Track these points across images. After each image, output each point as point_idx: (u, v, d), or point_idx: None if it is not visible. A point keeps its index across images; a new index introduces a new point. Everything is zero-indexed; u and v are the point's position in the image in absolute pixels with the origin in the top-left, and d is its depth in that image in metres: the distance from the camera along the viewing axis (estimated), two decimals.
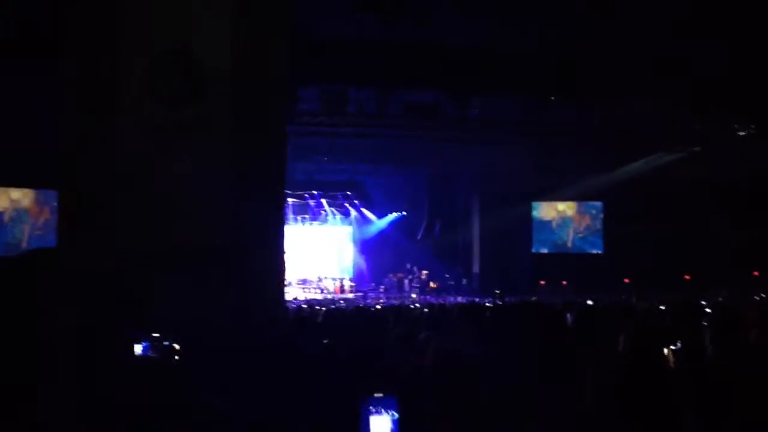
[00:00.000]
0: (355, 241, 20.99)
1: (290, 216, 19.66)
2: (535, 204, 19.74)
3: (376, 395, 1.75)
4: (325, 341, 4.29)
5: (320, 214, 20.33)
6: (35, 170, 12.21)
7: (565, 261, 19.05)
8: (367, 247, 20.97)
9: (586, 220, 19.85)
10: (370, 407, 1.72)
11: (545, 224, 19.83)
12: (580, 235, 19.74)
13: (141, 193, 3.72)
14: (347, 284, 19.46)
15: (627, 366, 2.28)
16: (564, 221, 19.82)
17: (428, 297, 16.60)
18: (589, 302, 8.72)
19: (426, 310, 8.18)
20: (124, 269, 3.47)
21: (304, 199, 19.49)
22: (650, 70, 11.50)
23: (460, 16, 10.37)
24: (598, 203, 19.51)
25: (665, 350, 3.03)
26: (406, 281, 19.71)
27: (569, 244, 19.76)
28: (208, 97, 4.05)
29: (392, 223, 20.75)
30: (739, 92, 12.25)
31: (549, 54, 11.35)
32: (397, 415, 1.72)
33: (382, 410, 1.73)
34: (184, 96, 3.95)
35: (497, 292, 14.18)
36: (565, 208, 19.85)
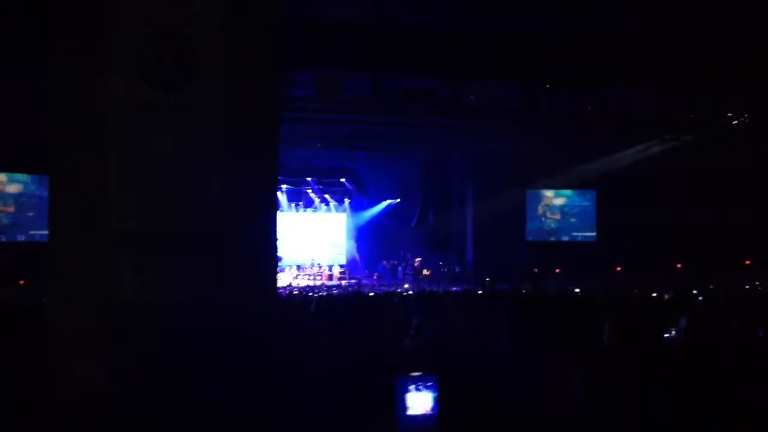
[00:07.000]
0: (348, 228, 20.97)
1: (284, 202, 19.62)
2: (528, 192, 19.75)
3: (413, 374, 1.74)
4: (318, 327, 4.29)
5: (314, 200, 20.29)
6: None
7: (559, 249, 19.10)
8: (360, 234, 20.96)
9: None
10: (409, 385, 1.72)
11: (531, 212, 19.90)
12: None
13: (131, 176, 3.68)
14: (336, 271, 19.42)
15: (613, 351, 2.29)
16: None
17: (422, 284, 16.63)
18: (577, 290, 8.79)
19: (419, 297, 8.19)
20: (113, 253, 3.44)
21: (298, 185, 19.43)
22: (645, 55, 11.48)
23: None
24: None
25: (654, 336, 3.05)
26: (400, 268, 19.73)
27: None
28: (201, 79, 4.00)
29: (386, 210, 20.73)
30: (733, 81, 12.26)
31: (545, 39, 11.30)
32: (435, 393, 1.71)
33: (422, 387, 1.73)
34: (176, 79, 3.90)
35: (487, 280, 14.28)
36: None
